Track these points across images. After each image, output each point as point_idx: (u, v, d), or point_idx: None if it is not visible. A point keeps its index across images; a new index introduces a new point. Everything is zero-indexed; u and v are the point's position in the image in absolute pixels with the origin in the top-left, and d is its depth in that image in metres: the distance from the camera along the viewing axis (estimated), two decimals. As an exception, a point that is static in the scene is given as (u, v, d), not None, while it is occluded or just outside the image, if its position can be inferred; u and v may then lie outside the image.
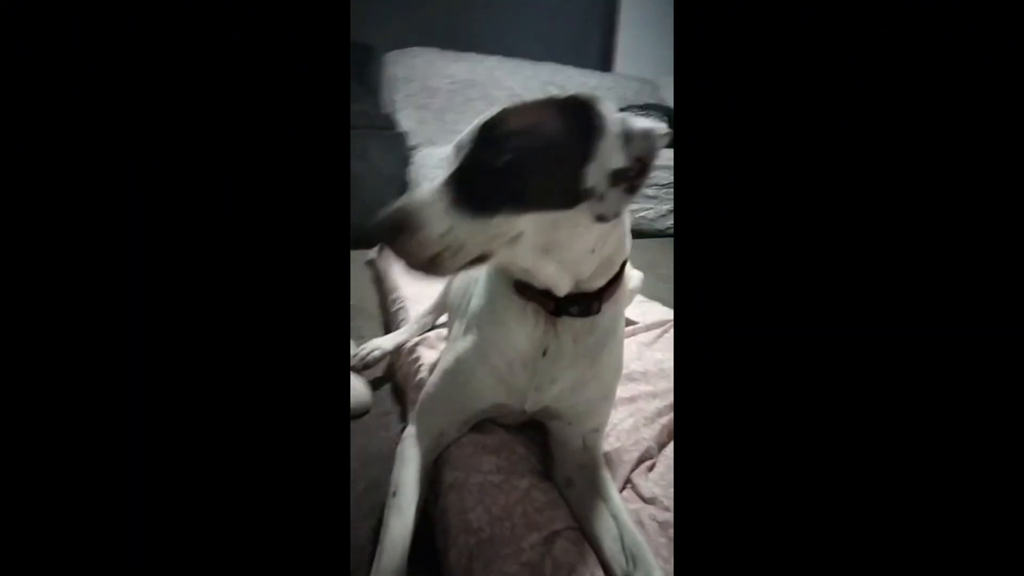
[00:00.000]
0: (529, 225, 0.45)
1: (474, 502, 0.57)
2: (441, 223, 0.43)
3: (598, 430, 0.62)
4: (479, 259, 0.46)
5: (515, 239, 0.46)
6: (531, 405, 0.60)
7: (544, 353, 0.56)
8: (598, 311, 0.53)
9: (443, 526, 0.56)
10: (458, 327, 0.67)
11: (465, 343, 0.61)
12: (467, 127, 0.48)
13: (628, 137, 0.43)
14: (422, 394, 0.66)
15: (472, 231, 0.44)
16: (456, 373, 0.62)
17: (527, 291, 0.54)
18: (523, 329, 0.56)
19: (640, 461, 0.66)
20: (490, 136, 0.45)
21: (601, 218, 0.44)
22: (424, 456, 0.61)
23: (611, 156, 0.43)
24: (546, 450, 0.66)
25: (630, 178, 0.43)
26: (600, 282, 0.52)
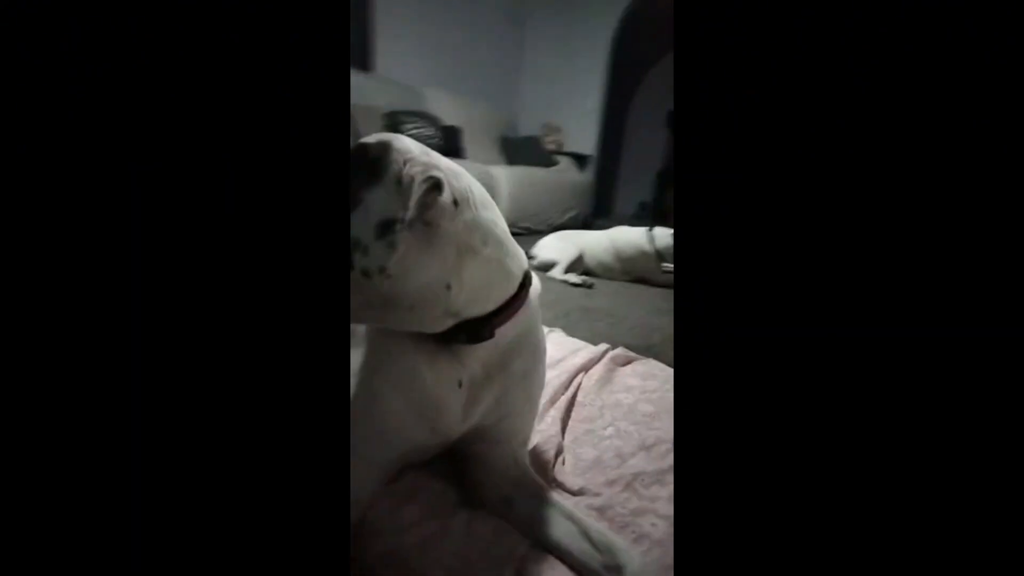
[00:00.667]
0: (394, 266, 0.40)
1: (422, 563, 0.48)
2: None
3: (524, 443, 0.62)
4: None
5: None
6: (455, 438, 0.55)
7: (460, 384, 0.52)
8: (491, 336, 0.51)
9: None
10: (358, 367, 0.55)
11: (380, 386, 0.51)
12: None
13: (403, 182, 0.40)
14: None
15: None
16: (365, 419, 0.51)
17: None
18: (425, 364, 0.51)
19: (556, 455, 0.68)
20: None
21: (365, 273, 0.40)
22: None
23: (379, 203, 0.39)
24: (465, 476, 0.61)
25: (396, 230, 0.39)
26: (486, 307, 0.50)
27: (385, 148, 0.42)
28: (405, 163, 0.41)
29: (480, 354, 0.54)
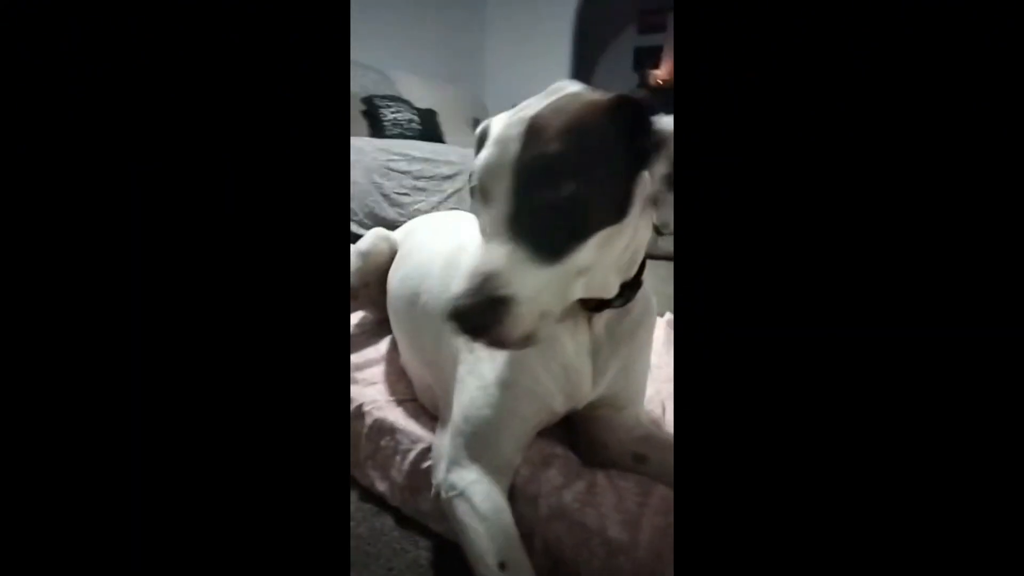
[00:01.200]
0: (594, 249, 0.42)
1: (592, 516, 0.51)
2: (529, 290, 0.38)
3: (643, 401, 0.64)
4: (561, 313, 0.41)
5: (584, 271, 0.42)
6: (585, 401, 0.57)
7: (588, 352, 0.54)
8: (631, 299, 0.53)
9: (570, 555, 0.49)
10: (466, 349, 0.56)
11: (526, 355, 0.52)
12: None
13: (668, 139, 0.41)
14: (462, 422, 0.52)
15: (556, 283, 0.39)
16: (514, 385, 0.52)
17: None
18: (567, 333, 0.53)
19: (663, 411, 0.72)
20: (538, 156, 0.39)
21: (664, 227, 0.43)
22: (506, 500, 0.50)
23: (664, 160, 0.41)
24: (591, 440, 0.64)
25: (672, 183, 0.41)
26: (635, 269, 0.52)
27: (640, 106, 0.42)
28: (665, 121, 0.41)
29: (609, 321, 0.55)
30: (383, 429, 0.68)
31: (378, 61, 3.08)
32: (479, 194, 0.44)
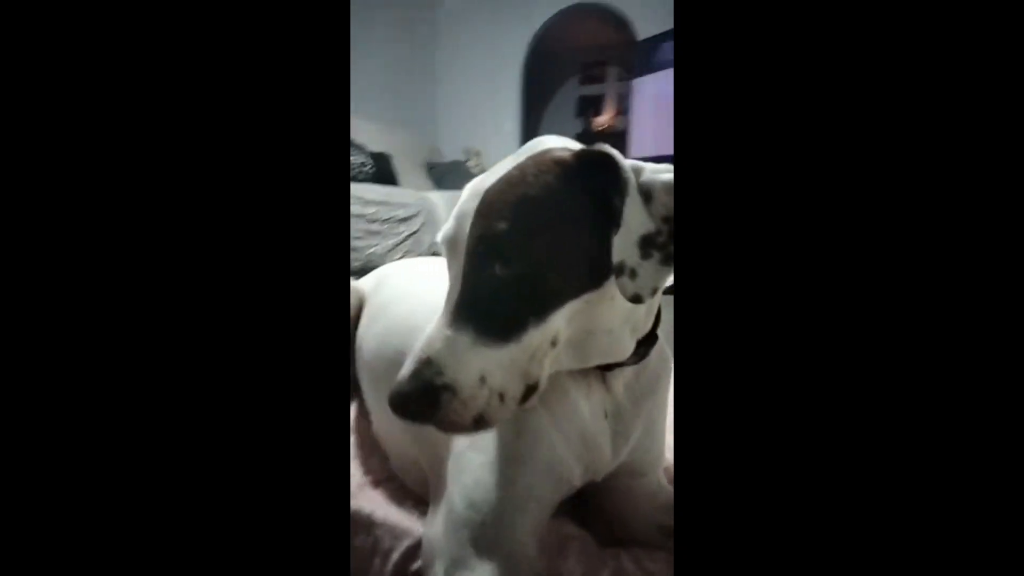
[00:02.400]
0: (561, 322, 0.38)
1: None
2: (473, 375, 0.36)
3: (663, 462, 0.57)
4: (528, 392, 0.39)
5: (553, 344, 0.39)
6: (605, 472, 0.50)
7: (605, 415, 0.48)
8: (646, 355, 0.47)
9: None
10: None
11: (537, 423, 0.45)
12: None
13: (648, 193, 0.36)
14: (466, 509, 0.44)
15: (513, 364, 0.37)
16: (528, 459, 0.44)
17: None
18: (581, 395, 0.46)
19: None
20: (485, 235, 0.37)
21: (636, 299, 0.36)
22: None
23: (636, 219, 0.36)
24: (610, 514, 0.55)
25: (660, 244, 0.36)
26: (651, 322, 0.46)
27: (610, 158, 0.37)
28: (635, 172, 0.37)
29: (627, 379, 0.49)
30: (357, 522, 0.56)
31: (327, 106, 3.03)
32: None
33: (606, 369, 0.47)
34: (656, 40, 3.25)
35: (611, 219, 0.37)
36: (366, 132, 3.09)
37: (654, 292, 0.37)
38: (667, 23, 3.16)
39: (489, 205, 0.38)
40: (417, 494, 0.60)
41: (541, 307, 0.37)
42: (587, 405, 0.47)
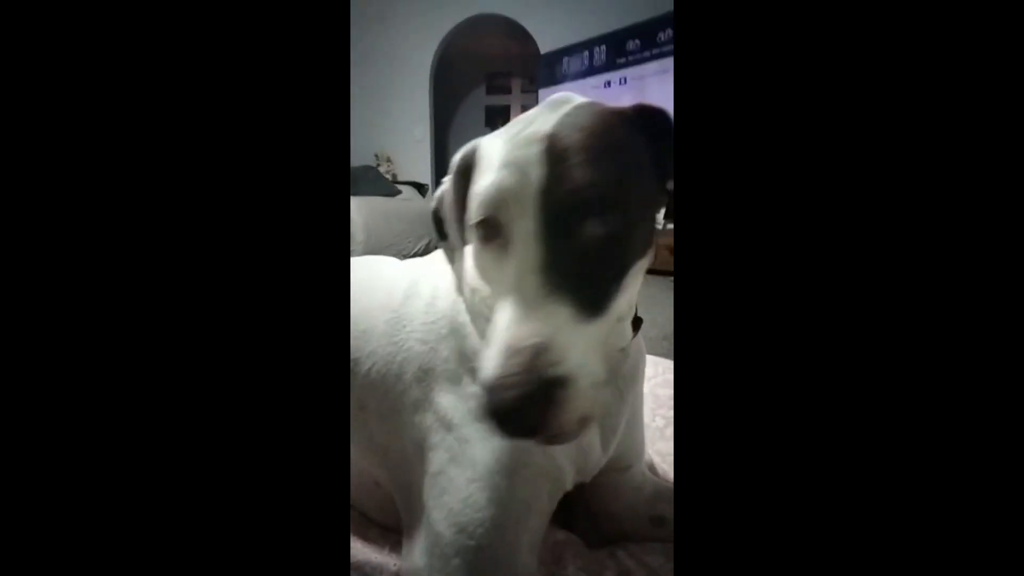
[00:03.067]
0: (628, 292, 0.34)
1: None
2: (581, 358, 0.29)
3: (644, 453, 0.56)
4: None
5: (619, 319, 0.36)
6: (595, 471, 0.47)
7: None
8: (633, 336, 0.45)
9: None
10: (457, 400, 0.42)
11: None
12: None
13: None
14: (455, 534, 0.38)
15: (599, 342, 0.31)
16: (524, 467, 0.40)
17: None
18: None
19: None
20: (572, 184, 0.31)
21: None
22: None
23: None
24: (599, 513, 0.53)
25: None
26: (634, 304, 0.44)
27: (664, 114, 0.36)
28: (670, 123, 0.36)
29: (611, 365, 0.47)
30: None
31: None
32: (483, 232, 0.33)
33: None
34: (559, 54, 3.39)
35: (664, 176, 0.36)
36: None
37: None
38: (566, 38, 3.32)
39: (564, 151, 0.31)
40: (381, 523, 0.52)
41: (622, 271, 0.32)
42: None
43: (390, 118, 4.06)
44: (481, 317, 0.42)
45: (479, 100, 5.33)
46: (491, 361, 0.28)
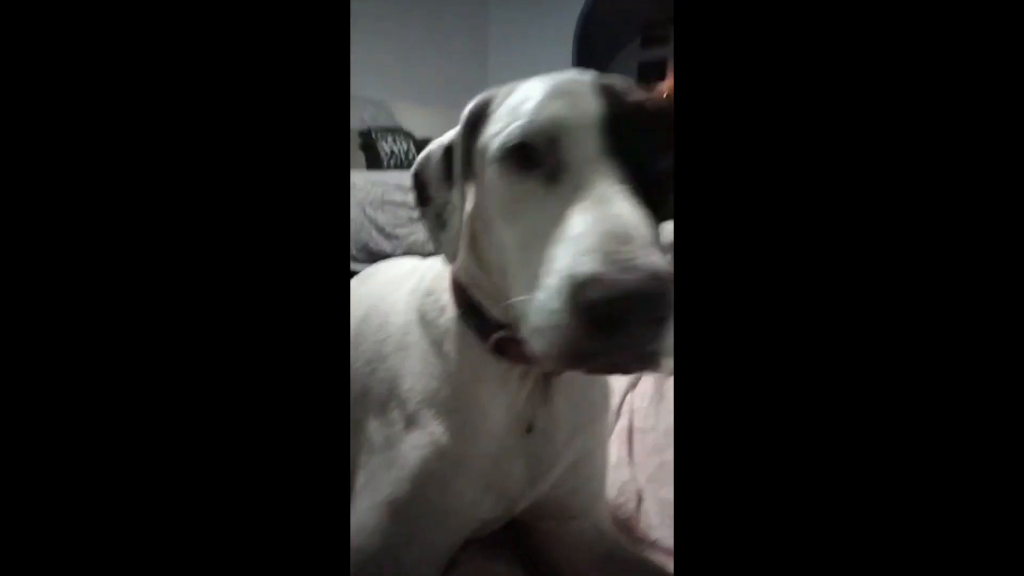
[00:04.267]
0: None
1: None
2: (661, 258, 0.27)
3: (606, 505, 0.51)
4: None
5: None
6: (522, 506, 0.44)
7: (529, 429, 0.41)
8: None
9: None
10: (380, 425, 0.43)
11: (418, 444, 0.40)
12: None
13: None
14: (353, 554, 0.40)
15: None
16: (415, 501, 0.40)
17: (511, 349, 0.38)
18: (502, 404, 0.40)
19: (638, 504, 0.58)
20: (636, 116, 0.32)
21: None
22: None
23: None
24: (538, 558, 0.50)
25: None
26: None
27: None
28: None
29: (571, 386, 0.43)
30: None
31: (379, 93, 3.09)
32: (518, 162, 0.33)
33: (552, 373, 0.41)
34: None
35: None
36: (414, 116, 3.12)
37: None
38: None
39: (618, 92, 0.33)
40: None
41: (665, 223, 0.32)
42: (505, 415, 0.41)
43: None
44: (484, 272, 0.40)
45: (632, 55, 4.93)
46: (592, 251, 0.26)
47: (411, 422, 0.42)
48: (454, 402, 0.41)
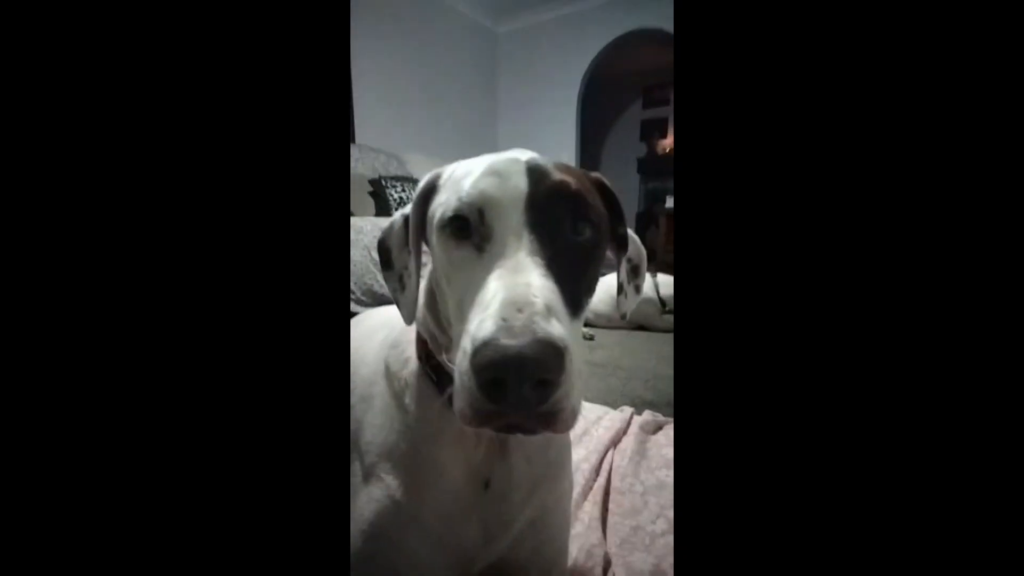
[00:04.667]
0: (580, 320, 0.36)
1: None
2: (568, 342, 0.28)
3: (564, 569, 0.51)
4: None
5: None
6: (479, 566, 0.44)
7: (486, 486, 0.42)
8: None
9: None
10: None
11: (373, 498, 0.41)
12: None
13: (633, 241, 0.46)
14: None
15: (576, 344, 0.31)
16: (372, 550, 0.41)
17: None
18: (459, 459, 0.41)
19: (604, 570, 0.58)
20: (555, 191, 0.35)
21: (623, 316, 0.44)
22: None
23: (632, 247, 0.45)
24: None
25: (634, 277, 0.45)
26: None
27: (610, 190, 0.43)
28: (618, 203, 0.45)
29: (529, 445, 0.43)
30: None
31: (392, 145, 3.25)
32: (455, 231, 0.35)
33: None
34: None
35: (615, 238, 0.43)
36: (424, 167, 3.27)
37: (624, 317, 0.44)
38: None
39: (548, 169, 0.36)
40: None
41: (591, 283, 0.37)
42: (462, 471, 0.42)
43: (538, 138, 4.24)
44: (440, 329, 0.42)
45: (634, 116, 5.18)
46: (492, 317, 0.27)
47: (368, 475, 0.43)
48: (412, 457, 0.42)
